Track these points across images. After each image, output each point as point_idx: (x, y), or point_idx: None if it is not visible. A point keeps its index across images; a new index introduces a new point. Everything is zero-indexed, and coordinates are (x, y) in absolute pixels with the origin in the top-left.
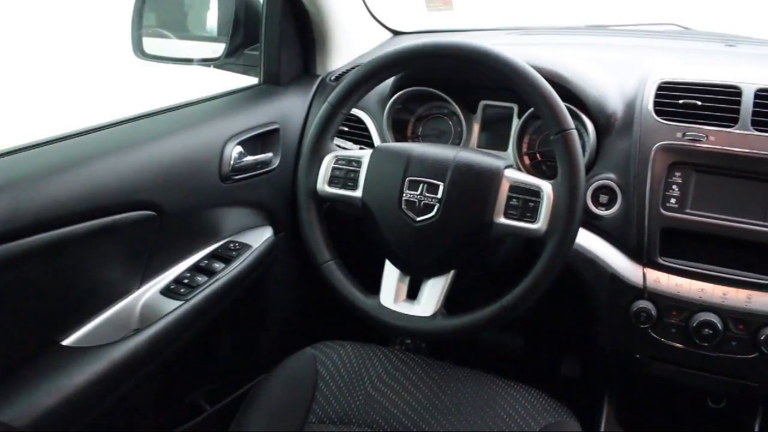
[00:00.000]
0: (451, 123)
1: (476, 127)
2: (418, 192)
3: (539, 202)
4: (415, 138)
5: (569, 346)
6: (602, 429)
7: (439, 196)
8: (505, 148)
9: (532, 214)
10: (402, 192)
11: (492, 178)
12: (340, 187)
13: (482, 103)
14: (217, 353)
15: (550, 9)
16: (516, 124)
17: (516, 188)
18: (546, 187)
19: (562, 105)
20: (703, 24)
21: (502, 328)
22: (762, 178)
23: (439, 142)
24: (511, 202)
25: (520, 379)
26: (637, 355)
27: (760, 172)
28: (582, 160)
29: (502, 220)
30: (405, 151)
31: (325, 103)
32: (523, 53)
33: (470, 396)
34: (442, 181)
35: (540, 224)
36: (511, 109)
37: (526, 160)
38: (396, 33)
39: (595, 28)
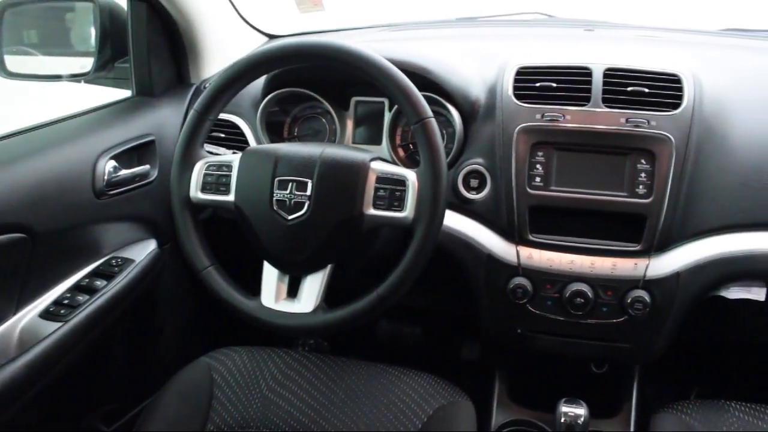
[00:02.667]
0: (325, 122)
1: (350, 124)
2: (288, 191)
3: (405, 191)
4: (291, 139)
5: (467, 330)
6: (494, 405)
7: (309, 193)
8: (379, 142)
9: (399, 203)
10: (272, 192)
11: (358, 171)
12: (213, 193)
13: (354, 99)
14: (111, 372)
15: (423, 4)
16: (387, 117)
17: (382, 179)
18: (411, 176)
19: (419, 95)
20: (567, 11)
21: (400, 319)
22: (616, 151)
23: (316, 141)
24: (379, 193)
25: (422, 367)
26: (519, 330)
27: (613, 146)
28: (442, 147)
29: (372, 211)
30: (273, 152)
31: (192, 111)
32: (385, 48)
33: (365, 387)
34: (310, 179)
35: (407, 212)
36: (382, 103)
37: (401, 152)
38: (271, 37)
39: (465, 21)
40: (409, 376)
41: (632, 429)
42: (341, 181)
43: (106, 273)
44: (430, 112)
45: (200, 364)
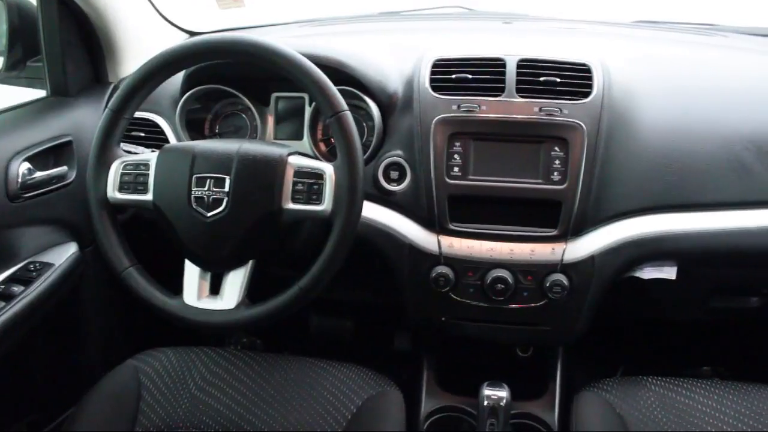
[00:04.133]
0: (246, 118)
1: (271, 120)
2: (206, 188)
3: (323, 184)
4: (213, 136)
5: (398, 321)
6: (423, 393)
7: (227, 189)
8: (301, 137)
9: (317, 197)
10: (190, 190)
11: (276, 166)
12: (131, 193)
13: (274, 95)
14: (35, 380)
15: None
16: (308, 112)
17: (300, 173)
18: (328, 169)
19: (333, 88)
20: (487, 5)
21: (332, 314)
22: (531, 139)
23: (237, 138)
24: (297, 187)
25: (355, 359)
26: (443, 318)
27: (528, 135)
28: (358, 140)
29: (291, 205)
30: (190, 149)
31: (106, 110)
32: (303, 43)
33: (294, 382)
34: (227, 175)
35: (325, 205)
36: (303, 99)
37: (322, 147)
38: (192, 33)
39: (387, 15)
40: (338, 369)
41: (557, 409)
42: (259, 177)
43: (23, 278)
44: (344, 106)
45: (127, 366)
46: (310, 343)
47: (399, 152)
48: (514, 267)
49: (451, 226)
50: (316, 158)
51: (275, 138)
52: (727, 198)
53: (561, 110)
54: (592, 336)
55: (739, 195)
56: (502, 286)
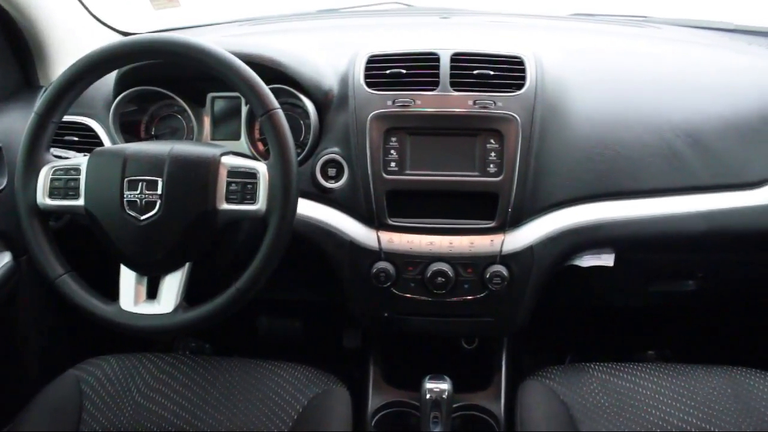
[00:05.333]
0: (182, 119)
1: (207, 121)
2: (138, 191)
3: (256, 183)
4: (149, 138)
5: (347, 319)
6: (370, 389)
7: (159, 192)
8: (238, 138)
9: (251, 196)
10: (122, 193)
11: (209, 166)
12: (62, 198)
13: (210, 95)
14: None
15: None
16: (244, 111)
17: (234, 173)
18: (261, 168)
19: (264, 87)
20: (426, 1)
21: (280, 314)
22: (466, 132)
23: (172, 140)
24: (231, 187)
25: (305, 359)
26: (386, 314)
27: (463, 128)
28: (290, 138)
29: (225, 206)
30: (121, 152)
31: (33, 114)
32: (237, 43)
33: (240, 384)
34: (160, 177)
35: (260, 205)
36: (239, 98)
37: (260, 146)
38: (125, 34)
39: (325, 12)
40: (284, 369)
41: (503, 399)
42: (192, 178)
43: None
44: (276, 104)
45: (68, 377)
46: (260, 344)
47: (336, 149)
48: (454, 260)
49: (390, 222)
50: (254, 158)
51: (213, 139)
52: (660, 185)
53: (495, 103)
54: (539, 325)
55: (671, 181)
56: (443, 280)
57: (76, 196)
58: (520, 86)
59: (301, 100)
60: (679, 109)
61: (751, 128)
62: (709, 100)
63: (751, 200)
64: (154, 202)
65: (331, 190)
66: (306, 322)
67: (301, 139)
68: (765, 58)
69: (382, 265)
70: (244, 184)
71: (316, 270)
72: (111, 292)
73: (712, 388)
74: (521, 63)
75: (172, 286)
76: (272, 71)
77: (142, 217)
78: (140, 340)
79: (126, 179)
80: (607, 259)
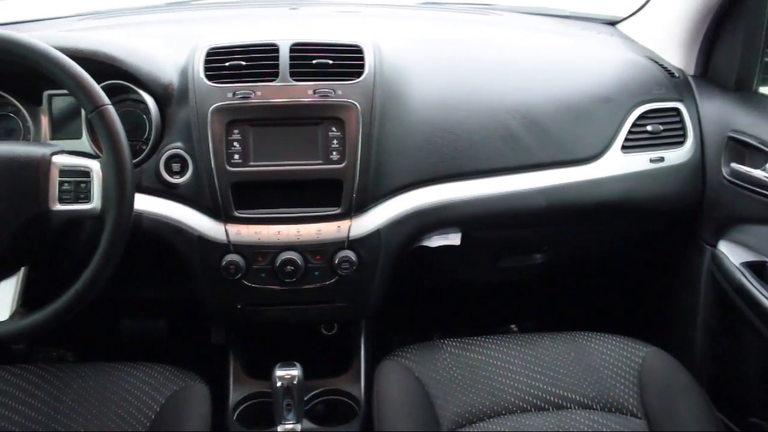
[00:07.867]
0: (18, 119)
1: (45, 120)
2: None
3: (90, 182)
4: None
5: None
6: (231, 384)
7: None
8: (80, 136)
9: (86, 195)
10: None
11: (38, 166)
12: None
13: (46, 93)
14: None
15: None
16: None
17: (66, 172)
18: (94, 166)
19: (92, 82)
20: None
21: (143, 315)
22: (308, 121)
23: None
24: (64, 187)
25: (171, 358)
26: (239, 306)
27: (305, 117)
28: (122, 134)
29: (58, 206)
30: None
31: None
32: (71, 37)
33: (94, 389)
34: None
35: (95, 203)
36: None
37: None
38: None
39: (174, 5)
40: (140, 370)
41: (362, 381)
42: (19, 180)
43: None
44: (105, 100)
45: None
46: (124, 347)
47: (179, 144)
48: (303, 248)
49: (237, 214)
50: (97, 157)
51: (52, 138)
52: (500, 164)
53: (335, 91)
54: (405, 306)
55: (510, 160)
56: (292, 268)
57: None
58: (359, 74)
59: (138, 94)
60: (514, 91)
61: (582, 108)
62: (543, 83)
63: (585, 175)
64: None
65: (176, 185)
66: (172, 321)
67: (146, 135)
68: (595, 42)
69: (232, 257)
70: (77, 183)
71: (170, 267)
72: None
73: (557, 354)
74: (360, 51)
75: (7, 292)
76: (108, 67)
77: None
78: None
79: None
80: (453, 239)
